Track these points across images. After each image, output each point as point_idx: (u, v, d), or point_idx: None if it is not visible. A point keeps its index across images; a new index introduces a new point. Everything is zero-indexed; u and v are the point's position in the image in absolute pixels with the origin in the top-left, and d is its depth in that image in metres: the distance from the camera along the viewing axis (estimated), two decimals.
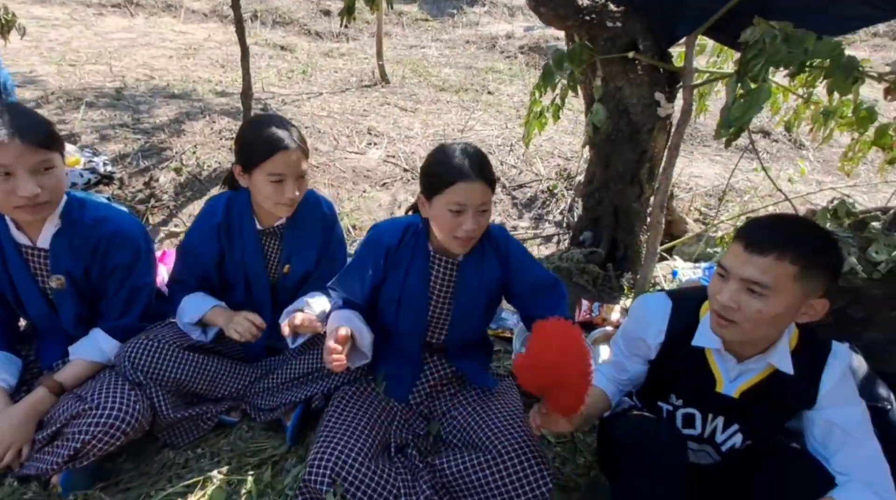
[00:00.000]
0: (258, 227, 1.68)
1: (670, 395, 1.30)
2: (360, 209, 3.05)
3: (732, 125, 1.96)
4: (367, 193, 3.23)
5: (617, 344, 1.39)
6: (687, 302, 1.25)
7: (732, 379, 1.20)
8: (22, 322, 1.74)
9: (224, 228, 1.67)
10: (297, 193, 1.56)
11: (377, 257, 1.49)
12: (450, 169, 1.32)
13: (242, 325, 1.55)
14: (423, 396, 1.58)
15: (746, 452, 1.26)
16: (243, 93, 2.78)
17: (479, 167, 1.34)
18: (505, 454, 1.31)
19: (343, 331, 1.37)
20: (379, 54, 5.75)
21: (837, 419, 1.11)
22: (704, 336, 1.18)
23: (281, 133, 1.51)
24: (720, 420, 1.26)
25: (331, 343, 1.34)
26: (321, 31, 7.45)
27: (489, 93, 5.85)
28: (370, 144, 3.87)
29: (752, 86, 1.90)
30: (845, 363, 1.13)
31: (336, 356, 1.31)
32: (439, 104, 5.29)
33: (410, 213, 1.60)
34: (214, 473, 1.53)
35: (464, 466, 1.35)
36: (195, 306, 1.64)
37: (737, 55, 2.59)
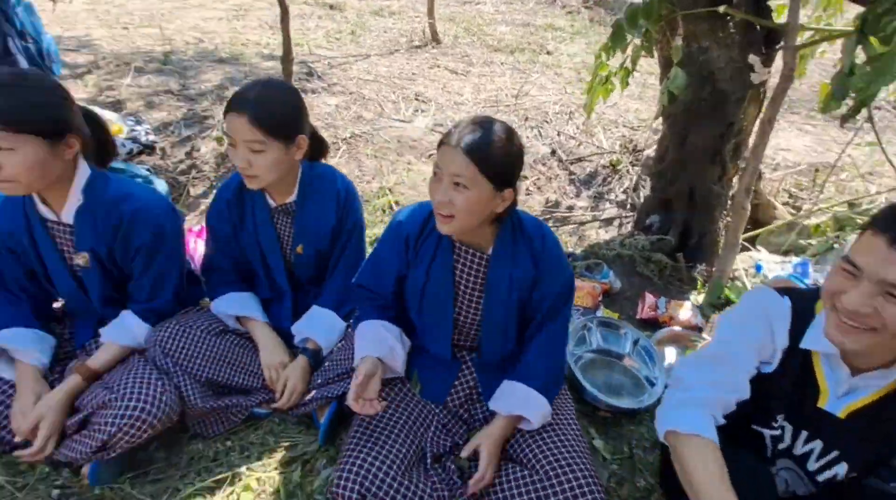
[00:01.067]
0: (271, 204, 1.57)
1: (775, 415, 1.08)
2: (403, 184, 2.82)
3: (848, 96, 1.62)
4: (411, 166, 3.00)
5: (721, 357, 1.08)
6: (804, 302, 1.05)
7: (840, 395, 1.00)
8: (59, 302, 1.72)
9: (236, 205, 1.59)
10: (250, 165, 1.39)
11: (398, 247, 1.36)
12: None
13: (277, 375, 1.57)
14: (461, 399, 1.47)
15: (848, 486, 1.04)
16: (284, 57, 2.61)
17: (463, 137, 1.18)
18: (554, 475, 1.21)
19: (361, 377, 1.27)
20: (430, 12, 5.43)
21: None
22: (817, 338, 0.96)
23: (242, 92, 1.39)
24: (817, 444, 1.05)
25: (353, 402, 1.25)
26: None
27: (548, 53, 5.43)
28: (417, 111, 3.62)
29: (881, 49, 1.54)
30: None
31: (365, 406, 1.25)
32: (493, 66, 4.95)
33: None
34: (243, 469, 1.48)
35: (507, 481, 1.26)
36: (234, 305, 1.62)
37: (850, 6, 2.16)
